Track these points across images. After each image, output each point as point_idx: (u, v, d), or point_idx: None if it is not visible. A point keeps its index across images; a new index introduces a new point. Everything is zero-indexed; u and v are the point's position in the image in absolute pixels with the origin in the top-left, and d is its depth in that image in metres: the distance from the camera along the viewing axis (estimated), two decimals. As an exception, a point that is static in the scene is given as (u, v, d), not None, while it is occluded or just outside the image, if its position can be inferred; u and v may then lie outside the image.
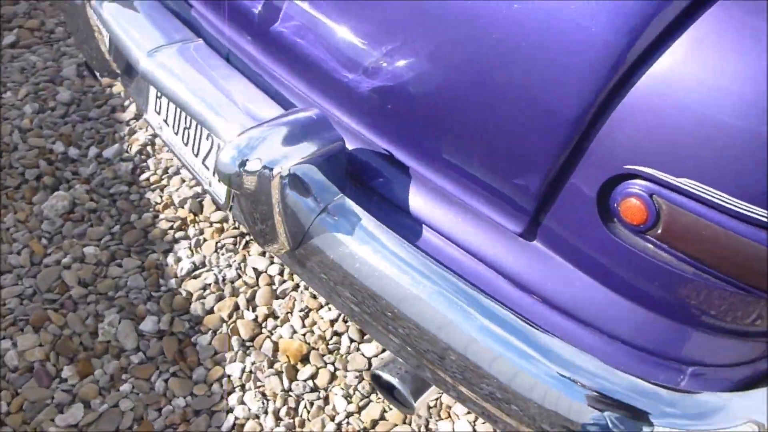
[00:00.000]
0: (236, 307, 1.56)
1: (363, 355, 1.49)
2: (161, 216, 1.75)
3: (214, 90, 1.05)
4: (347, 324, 1.54)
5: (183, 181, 1.84)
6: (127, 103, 2.06)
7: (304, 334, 1.52)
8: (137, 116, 2.03)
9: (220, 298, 1.57)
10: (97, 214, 1.75)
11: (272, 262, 1.64)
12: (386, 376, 1.08)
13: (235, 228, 1.72)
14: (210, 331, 1.51)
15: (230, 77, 1.10)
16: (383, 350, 1.49)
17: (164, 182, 1.84)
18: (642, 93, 0.76)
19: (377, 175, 1.05)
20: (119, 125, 2.00)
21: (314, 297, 1.59)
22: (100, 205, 1.76)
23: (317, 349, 1.49)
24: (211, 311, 1.55)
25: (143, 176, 1.85)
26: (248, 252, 1.67)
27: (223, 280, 1.61)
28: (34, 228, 1.70)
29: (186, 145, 1.28)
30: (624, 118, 0.77)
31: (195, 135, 1.24)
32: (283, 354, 1.47)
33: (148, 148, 1.93)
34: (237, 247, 1.68)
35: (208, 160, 1.23)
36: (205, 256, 1.66)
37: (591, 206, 0.84)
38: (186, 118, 1.25)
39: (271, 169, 0.92)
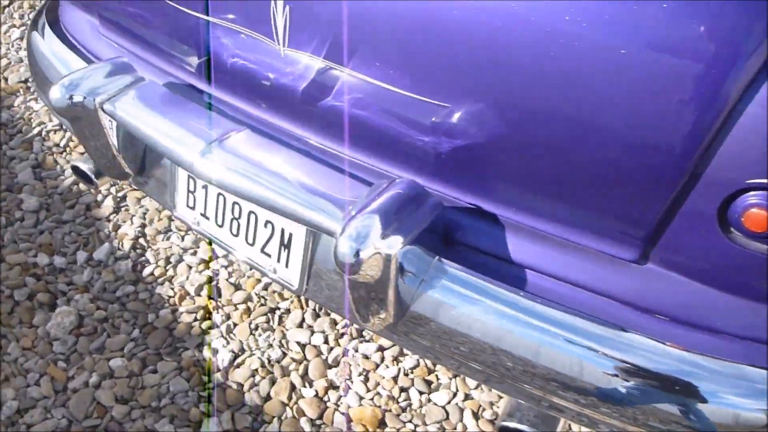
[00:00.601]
0: (293, 387, 1.50)
1: (436, 404, 1.47)
2: (180, 309, 1.65)
3: (289, 181, 1.01)
4: (410, 377, 1.52)
5: (189, 267, 1.75)
6: (100, 197, 1.95)
7: (371, 398, 1.48)
8: (116, 209, 1.91)
9: (273, 382, 1.51)
10: (110, 321, 1.63)
11: (313, 332, 1.60)
12: (517, 425, 1.08)
13: (262, 305, 1.66)
14: (275, 419, 1.44)
15: (297, 163, 1.07)
16: (454, 395, 1.48)
17: (170, 273, 1.74)
18: (757, 110, 0.81)
19: (471, 231, 1.05)
20: (100, 223, 1.88)
21: (366, 357, 1.55)
22: (110, 312, 1.65)
23: (390, 410, 1.46)
24: (268, 398, 1.48)
25: (146, 271, 1.74)
26: (285, 327, 1.61)
27: (269, 361, 1.54)
28: (46, 352, 1.56)
29: (236, 236, 1.22)
30: (743, 137, 0.82)
31: (248, 225, 1.20)
32: (358, 424, 1.43)
33: (141, 240, 1.82)
34: (272, 323, 1.62)
35: (268, 247, 1.19)
36: (241, 341, 1.58)
37: (711, 222, 0.88)
38: (234, 209, 1.20)
39: (388, 255, 0.90)
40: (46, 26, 1.60)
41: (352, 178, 1.08)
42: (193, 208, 1.28)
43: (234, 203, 1.20)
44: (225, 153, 1.07)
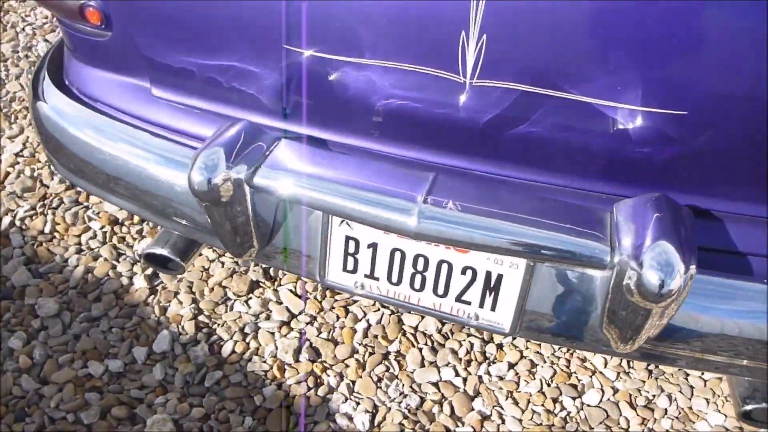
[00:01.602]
0: (447, 430, 1.41)
1: (590, 405, 1.46)
2: (287, 381, 1.49)
3: (541, 222, 0.94)
4: (555, 386, 1.48)
5: (271, 334, 1.58)
6: (125, 281, 1.69)
7: (530, 418, 1.43)
8: (152, 290, 1.67)
9: (425, 431, 1.41)
10: (214, 417, 1.43)
11: (438, 367, 1.51)
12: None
13: (371, 353, 1.53)
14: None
15: (518, 201, 0.99)
16: (602, 392, 1.48)
17: (253, 345, 1.56)
18: None
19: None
20: (141, 309, 1.63)
21: (501, 378, 1.50)
22: (209, 407, 1.44)
23: (553, 425, 1.43)
24: (428, 448, 1.39)
25: (226, 350, 1.54)
26: (407, 370, 1.51)
27: (410, 411, 1.44)
28: (157, 473, 1.34)
29: (420, 290, 1.12)
30: None
31: (437, 276, 1.10)
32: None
33: (201, 317, 1.61)
34: (392, 370, 1.51)
35: (467, 295, 1.10)
36: (371, 398, 1.46)
37: None
38: (416, 262, 1.10)
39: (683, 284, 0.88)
40: (59, 93, 1.35)
41: (581, 207, 1.02)
42: (353, 272, 1.15)
43: (417, 256, 1.10)
44: (441, 208, 0.97)
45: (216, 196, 1.02)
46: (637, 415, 1.45)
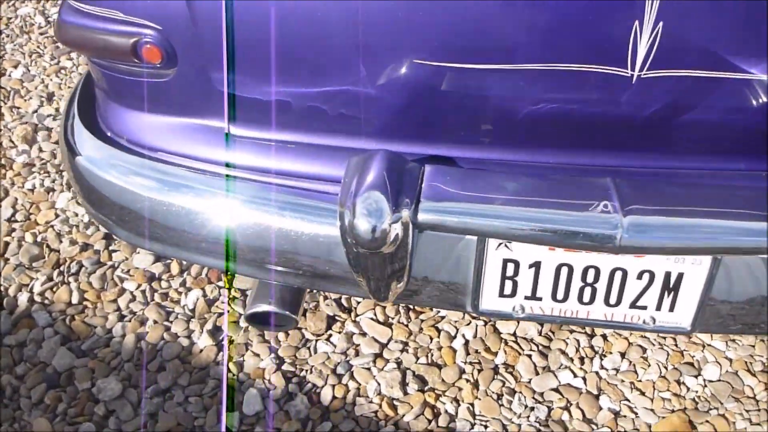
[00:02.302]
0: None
1: (712, 381, 1.44)
2: (403, 417, 1.37)
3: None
4: (674, 367, 1.44)
5: (367, 369, 1.45)
6: (184, 342, 1.51)
7: (662, 406, 1.39)
8: (218, 345, 1.50)
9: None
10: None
11: (553, 371, 1.43)
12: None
13: (479, 370, 1.43)
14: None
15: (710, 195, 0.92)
16: (719, 365, 1.46)
17: (352, 385, 1.42)
18: None
19: None
20: (215, 369, 1.46)
21: (617, 370, 1.45)
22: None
23: (685, 408, 1.39)
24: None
25: (325, 398, 1.40)
26: (523, 381, 1.43)
27: (541, 423, 1.36)
28: None
29: (590, 302, 1.04)
30: None
31: (609, 285, 1.02)
32: (674, 436, 1.34)
33: (286, 367, 1.46)
34: (508, 384, 1.43)
35: (643, 299, 1.03)
36: (496, 418, 1.37)
37: None
38: (586, 274, 1.01)
39: None
40: (99, 143, 1.18)
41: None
42: (511, 295, 1.05)
43: (587, 268, 1.02)
44: (644, 216, 0.88)
45: (382, 243, 0.90)
46: (759, 381, 1.44)
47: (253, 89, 1.05)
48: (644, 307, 1.04)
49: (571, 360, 1.47)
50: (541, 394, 1.42)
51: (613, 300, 1.04)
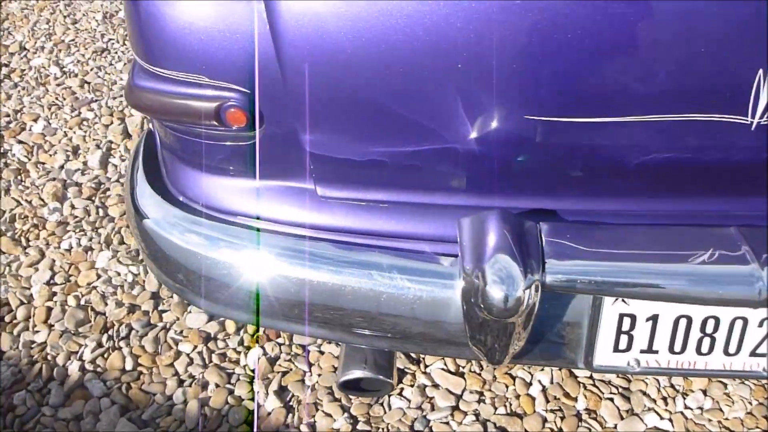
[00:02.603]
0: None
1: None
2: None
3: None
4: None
5: (445, 423, 1.40)
6: (250, 406, 1.45)
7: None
8: (287, 407, 1.44)
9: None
10: None
11: (636, 414, 1.39)
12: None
13: (562, 417, 1.39)
14: None
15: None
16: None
17: (432, 442, 1.38)
18: None
19: None
20: (286, 434, 1.40)
21: (692, 409, 1.41)
22: None
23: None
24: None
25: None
26: (606, 425, 1.39)
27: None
28: None
29: (708, 353, 1.01)
30: None
31: (729, 335, 0.99)
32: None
33: (360, 426, 1.40)
34: (594, 431, 1.38)
35: (763, 347, 0.99)
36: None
37: None
38: (705, 325, 0.98)
39: None
40: (175, 210, 1.13)
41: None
42: (626, 350, 1.01)
43: (707, 319, 0.98)
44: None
45: (515, 312, 0.86)
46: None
47: (345, 149, 1.01)
48: (763, 355, 1.01)
49: (654, 401, 1.43)
50: (631, 440, 1.38)
51: (732, 349, 1.00)
